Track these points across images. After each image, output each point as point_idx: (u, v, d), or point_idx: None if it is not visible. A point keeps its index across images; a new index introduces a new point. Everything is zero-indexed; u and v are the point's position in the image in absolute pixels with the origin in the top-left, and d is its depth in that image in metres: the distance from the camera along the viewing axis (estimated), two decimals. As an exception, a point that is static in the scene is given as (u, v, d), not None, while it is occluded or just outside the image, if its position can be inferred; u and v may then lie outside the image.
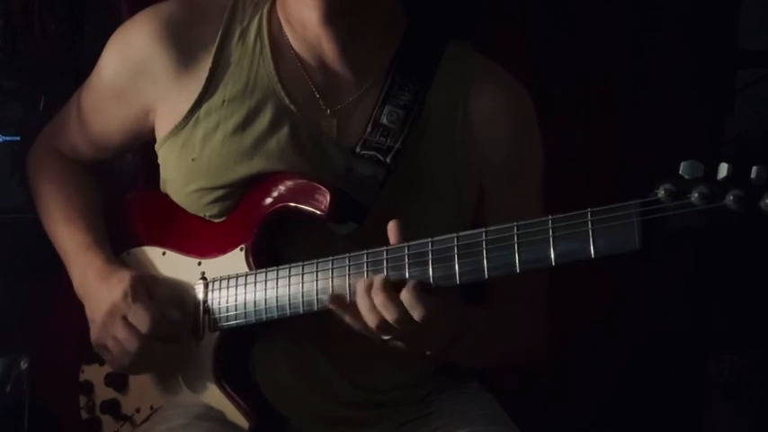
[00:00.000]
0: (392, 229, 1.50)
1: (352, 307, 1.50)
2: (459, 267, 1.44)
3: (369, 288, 1.47)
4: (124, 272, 1.69)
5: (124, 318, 1.65)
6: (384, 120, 1.67)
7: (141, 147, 1.84)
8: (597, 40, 2.61)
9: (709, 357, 2.84)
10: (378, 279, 1.47)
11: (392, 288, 1.46)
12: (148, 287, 1.68)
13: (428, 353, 1.57)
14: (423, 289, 1.45)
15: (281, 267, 1.60)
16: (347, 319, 1.50)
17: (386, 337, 1.50)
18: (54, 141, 1.89)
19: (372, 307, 1.47)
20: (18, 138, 2.09)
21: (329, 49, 1.67)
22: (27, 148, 1.94)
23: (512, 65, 1.78)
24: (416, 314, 1.44)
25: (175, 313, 1.67)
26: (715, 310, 2.86)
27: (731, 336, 2.86)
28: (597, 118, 2.63)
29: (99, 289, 1.70)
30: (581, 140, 2.59)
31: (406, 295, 1.45)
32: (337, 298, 1.51)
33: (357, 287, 1.49)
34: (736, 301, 2.85)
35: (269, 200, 1.65)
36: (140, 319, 1.64)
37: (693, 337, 2.83)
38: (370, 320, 1.47)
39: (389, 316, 1.45)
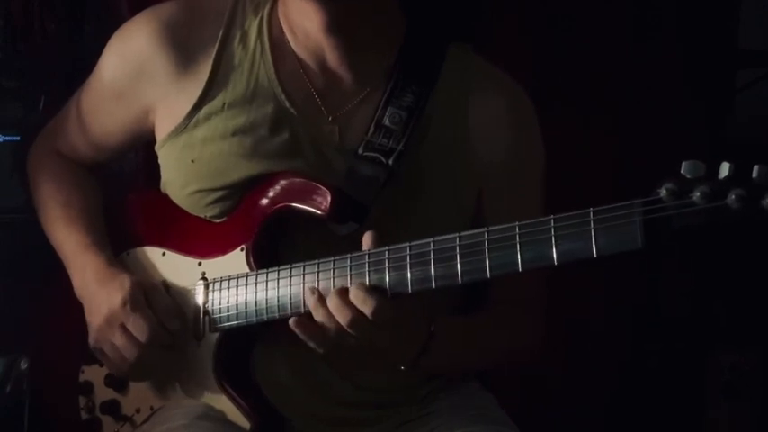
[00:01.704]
0: (366, 238, 1.51)
1: (314, 329, 1.52)
2: (461, 267, 1.44)
3: (321, 299, 1.50)
4: (124, 277, 1.68)
5: (122, 326, 1.65)
6: (386, 121, 1.67)
7: (143, 146, 1.84)
8: (597, 40, 2.61)
9: (709, 356, 2.84)
10: (333, 289, 1.50)
11: (345, 293, 1.48)
12: (148, 294, 1.67)
13: (401, 366, 1.58)
14: (378, 291, 1.47)
15: (281, 268, 1.59)
16: (311, 344, 1.52)
17: (349, 344, 1.51)
18: (54, 141, 1.89)
19: (327, 314, 1.49)
20: (18, 138, 2.09)
21: (331, 56, 1.67)
22: (27, 148, 1.93)
23: (512, 65, 1.78)
24: (367, 309, 1.46)
25: (175, 322, 1.66)
26: (716, 308, 2.86)
27: (732, 334, 2.86)
28: (597, 118, 2.63)
29: (97, 293, 1.70)
30: (581, 140, 2.58)
31: (353, 293, 1.47)
32: (299, 322, 1.52)
33: (309, 302, 1.52)
34: (736, 299, 2.85)
35: (269, 200, 1.65)
36: (139, 329, 1.64)
37: (693, 336, 2.83)
38: (329, 327, 1.49)
39: (343, 318, 1.47)
